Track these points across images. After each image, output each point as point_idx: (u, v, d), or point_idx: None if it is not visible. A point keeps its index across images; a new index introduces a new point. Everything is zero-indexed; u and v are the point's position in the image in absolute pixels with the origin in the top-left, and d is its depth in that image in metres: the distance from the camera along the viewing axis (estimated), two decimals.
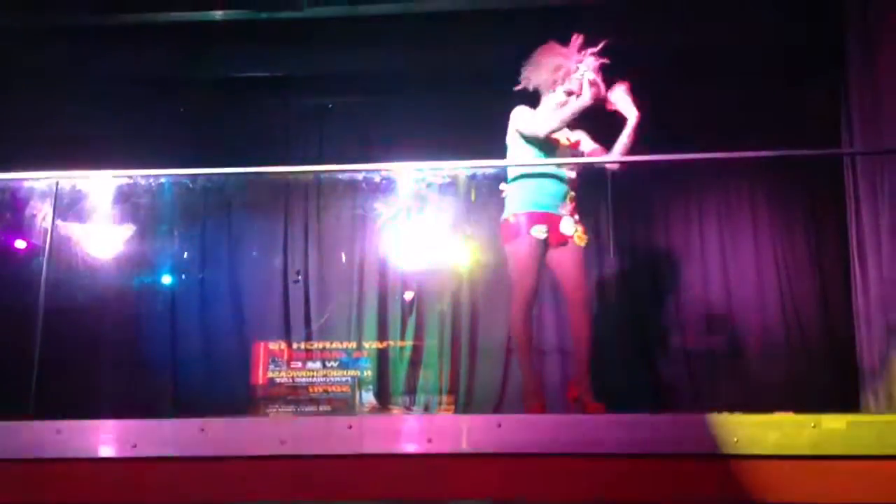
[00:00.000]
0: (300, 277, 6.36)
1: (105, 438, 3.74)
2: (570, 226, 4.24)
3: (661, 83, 5.89)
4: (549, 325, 6.05)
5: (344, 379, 5.79)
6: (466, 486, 3.45)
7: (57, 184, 4.28)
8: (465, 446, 3.37)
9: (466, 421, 3.51)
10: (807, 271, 6.09)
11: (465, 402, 5.91)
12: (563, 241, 4.23)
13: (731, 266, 6.18)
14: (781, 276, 6.10)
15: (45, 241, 4.26)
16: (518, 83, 4.36)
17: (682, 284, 6.16)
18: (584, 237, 4.27)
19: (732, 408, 3.92)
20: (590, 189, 4.62)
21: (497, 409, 5.78)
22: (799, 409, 3.65)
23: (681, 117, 6.03)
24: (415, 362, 6.07)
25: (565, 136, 4.36)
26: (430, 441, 3.40)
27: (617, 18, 5.39)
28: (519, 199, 4.27)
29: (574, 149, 4.41)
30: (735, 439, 3.22)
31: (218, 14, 6.01)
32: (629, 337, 5.94)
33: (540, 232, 4.18)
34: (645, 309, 6.10)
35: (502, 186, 4.36)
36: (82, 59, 6.11)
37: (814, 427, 3.22)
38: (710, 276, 6.18)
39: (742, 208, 6.29)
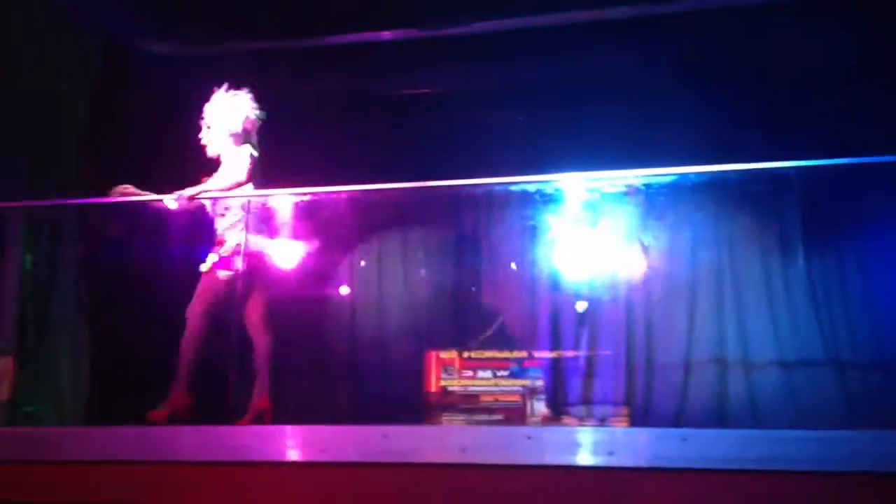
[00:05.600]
0: (473, 288, 6.44)
1: (293, 444, 3.90)
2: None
3: (743, 93, 5.62)
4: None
5: (515, 388, 5.81)
6: (649, 501, 3.38)
7: (249, 202, 4.52)
8: (648, 460, 3.30)
9: (650, 434, 3.44)
10: None
11: (641, 415, 5.80)
12: None
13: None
14: None
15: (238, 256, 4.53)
16: None
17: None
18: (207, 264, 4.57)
19: None
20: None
21: (678, 423, 5.64)
22: None
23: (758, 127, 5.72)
24: (589, 373, 6.00)
25: None
26: (611, 454, 3.35)
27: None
28: None
29: None
30: None
31: (386, 34, 6.18)
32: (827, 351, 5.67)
33: None
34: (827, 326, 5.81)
35: None
36: (255, 82, 6.43)
37: None
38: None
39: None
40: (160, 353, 4.74)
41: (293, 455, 3.87)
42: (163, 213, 4.84)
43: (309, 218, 5.22)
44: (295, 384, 6.02)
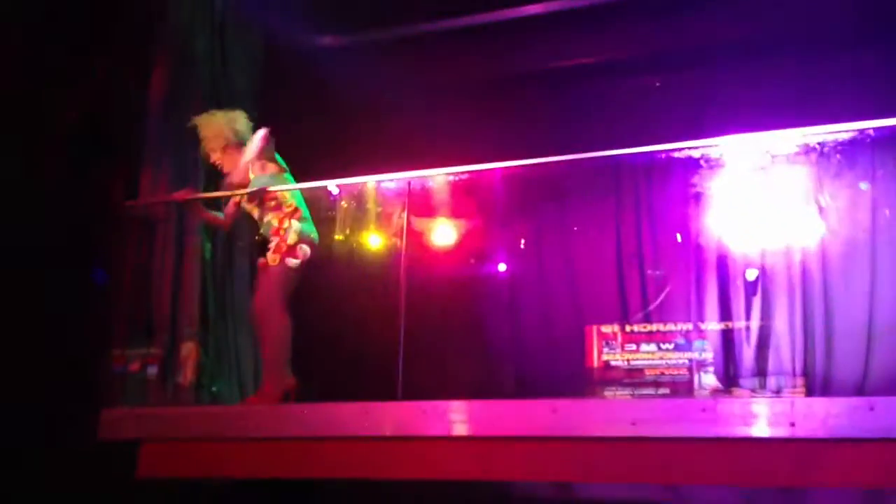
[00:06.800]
0: (660, 273, 6.27)
1: (460, 418, 3.95)
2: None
3: None
4: None
5: (681, 361, 5.65)
6: (836, 472, 3.24)
7: (409, 183, 4.59)
8: (833, 431, 3.15)
9: (834, 404, 3.27)
10: None
11: (820, 385, 5.52)
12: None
13: None
14: None
15: (400, 237, 4.61)
16: None
17: None
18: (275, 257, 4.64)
19: None
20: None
21: (859, 392, 5.34)
22: None
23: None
24: (762, 344, 5.77)
25: None
26: (793, 425, 3.22)
27: None
28: None
29: None
30: None
31: (534, 8, 6.12)
32: None
33: None
34: None
35: None
36: (412, 69, 6.52)
37: None
38: None
39: None
40: (334, 332, 4.92)
41: (462, 429, 3.93)
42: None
43: (469, 196, 5.27)
44: (462, 361, 6.10)
